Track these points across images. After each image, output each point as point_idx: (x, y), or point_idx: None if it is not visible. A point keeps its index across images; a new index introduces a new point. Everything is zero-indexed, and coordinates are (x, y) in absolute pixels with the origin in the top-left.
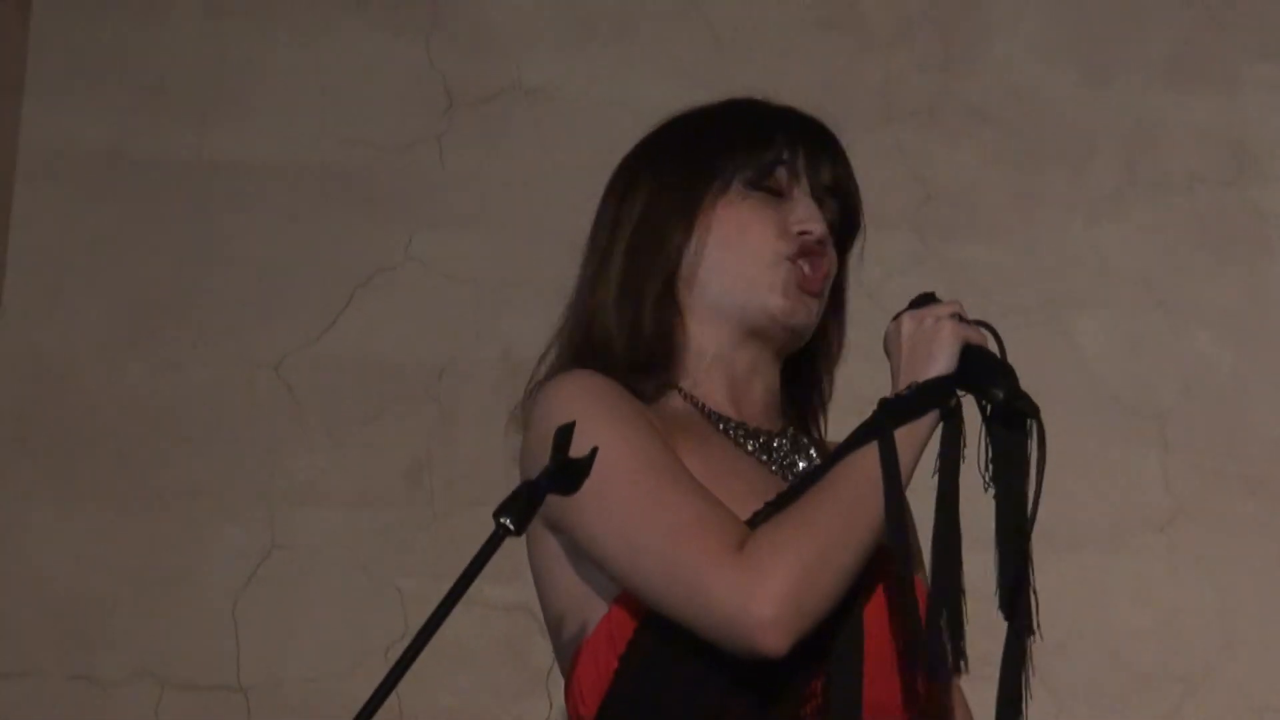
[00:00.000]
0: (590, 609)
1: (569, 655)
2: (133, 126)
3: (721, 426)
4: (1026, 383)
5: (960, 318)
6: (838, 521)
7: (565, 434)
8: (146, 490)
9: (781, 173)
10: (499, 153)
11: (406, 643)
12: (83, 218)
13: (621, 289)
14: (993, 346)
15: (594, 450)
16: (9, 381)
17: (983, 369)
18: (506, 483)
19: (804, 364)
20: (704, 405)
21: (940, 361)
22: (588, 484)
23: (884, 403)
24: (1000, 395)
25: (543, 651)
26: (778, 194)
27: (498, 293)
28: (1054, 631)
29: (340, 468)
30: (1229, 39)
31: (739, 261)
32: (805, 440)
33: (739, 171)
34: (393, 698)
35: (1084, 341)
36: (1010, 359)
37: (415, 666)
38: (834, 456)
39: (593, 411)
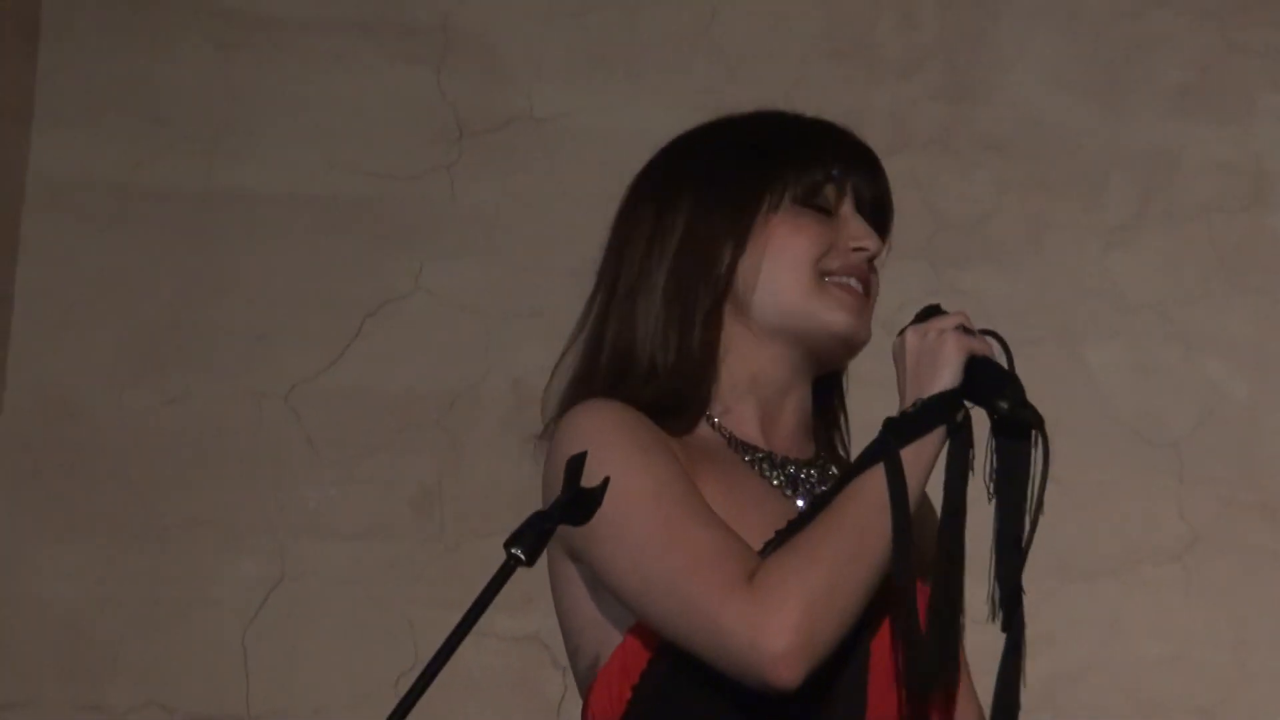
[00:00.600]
0: (606, 638)
1: (585, 683)
2: (141, 158)
3: (748, 458)
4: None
5: (965, 329)
6: (845, 548)
7: (577, 464)
8: (155, 520)
9: (831, 190)
10: (509, 183)
11: (416, 674)
12: (91, 249)
13: (668, 308)
14: (1000, 356)
15: (606, 480)
16: (18, 412)
17: (988, 380)
18: (517, 513)
19: (830, 383)
20: (732, 435)
21: (945, 376)
22: (604, 514)
23: (889, 422)
24: (1005, 406)
25: (554, 683)
26: (826, 211)
27: (508, 322)
28: (1069, 662)
29: (350, 498)
30: (1244, 67)
31: (797, 280)
32: (835, 469)
33: (789, 187)
34: None
35: (1098, 371)
36: (1025, 387)
37: (425, 698)
38: (842, 479)
39: (612, 440)
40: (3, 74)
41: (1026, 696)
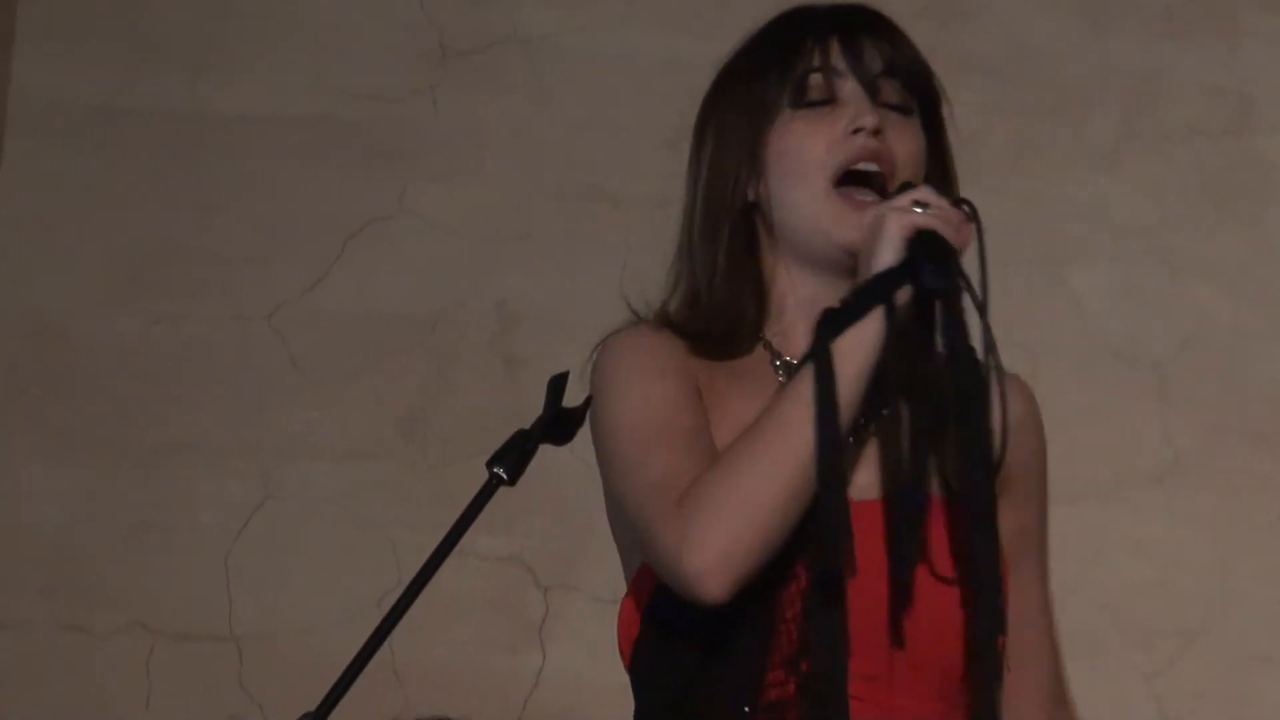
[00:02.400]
0: (632, 558)
1: (623, 599)
2: (124, 79)
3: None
4: (1025, 334)
5: (920, 203)
6: (765, 455)
7: (559, 383)
8: (139, 443)
9: (818, 79)
10: (494, 103)
11: (399, 594)
12: (74, 171)
13: (702, 236)
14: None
15: (588, 400)
16: (1, 335)
17: (923, 255)
18: (500, 434)
19: None
20: (781, 356)
21: (885, 256)
22: (601, 434)
23: (824, 313)
24: (923, 279)
25: (535, 603)
26: (828, 103)
27: (492, 244)
28: (1051, 585)
29: (334, 419)
30: None
31: (799, 195)
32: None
33: (781, 93)
34: (385, 648)
35: (1083, 294)
36: (1008, 311)
37: (408, 617)
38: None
39: (622, 366)
40: None
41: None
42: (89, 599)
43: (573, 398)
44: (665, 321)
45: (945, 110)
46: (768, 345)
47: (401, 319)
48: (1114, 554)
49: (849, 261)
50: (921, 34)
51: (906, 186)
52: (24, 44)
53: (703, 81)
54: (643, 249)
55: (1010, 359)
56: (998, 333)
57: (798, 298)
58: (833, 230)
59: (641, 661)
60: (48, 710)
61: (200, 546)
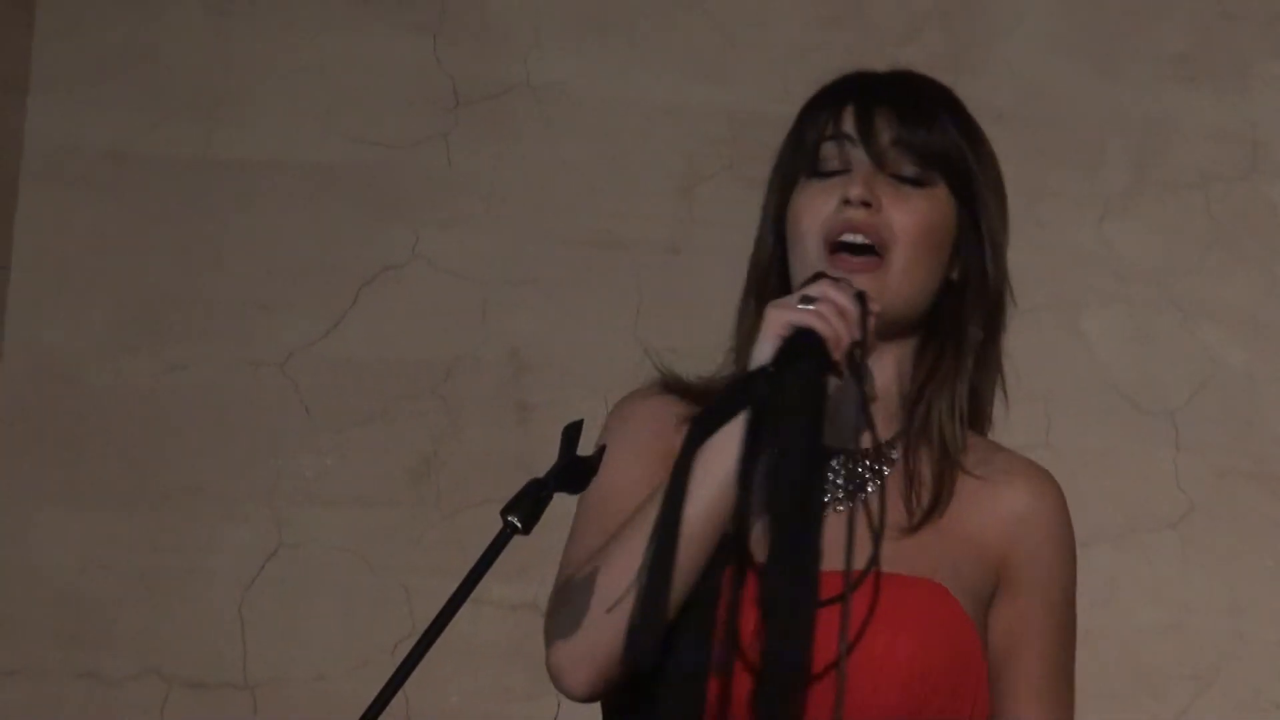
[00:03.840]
0: None
1: None
2: (137, 125)
3: None
4: (1038, 380)
5: (808, 299)
6: (617, 556)
7: (573, 432)
8: (152, 488)
9: (830, 148)
10: (506, 151)
11: (413, 641)
12: (87, 216)
13: (743, 302)
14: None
15: (602, 448)
16: (14, 380)
17: (787, 356)
18: (513, 480)
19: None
20: None
21: (759, 353)
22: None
23: (693, 419)
24: (760, 384)
25: None
26: (841, 172)
27: (505, 291)
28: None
29: (346, 466)
30: (1240, 35)
31: (799, 258)
32: (896, 455)
33: (798, 162)
34: (400, 696)
35: (1095, 339)
36: (1022, 357)
37: (422, 665)
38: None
39: (615, 436)
40: None
41: None
42: (101, 646)
43: (587, 446)
44: (679, 384)
45: (986, 179)
46: None
47: (414, 366)
48: (1128, 599)
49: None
50: None
51: (819, 276)
52: (38, 90)
53: (712, 126)
54: (655, 295)
55: (1023, 405)
56: (1011, 379)
57: None
58: None
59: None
60: None
61: (213, 593)
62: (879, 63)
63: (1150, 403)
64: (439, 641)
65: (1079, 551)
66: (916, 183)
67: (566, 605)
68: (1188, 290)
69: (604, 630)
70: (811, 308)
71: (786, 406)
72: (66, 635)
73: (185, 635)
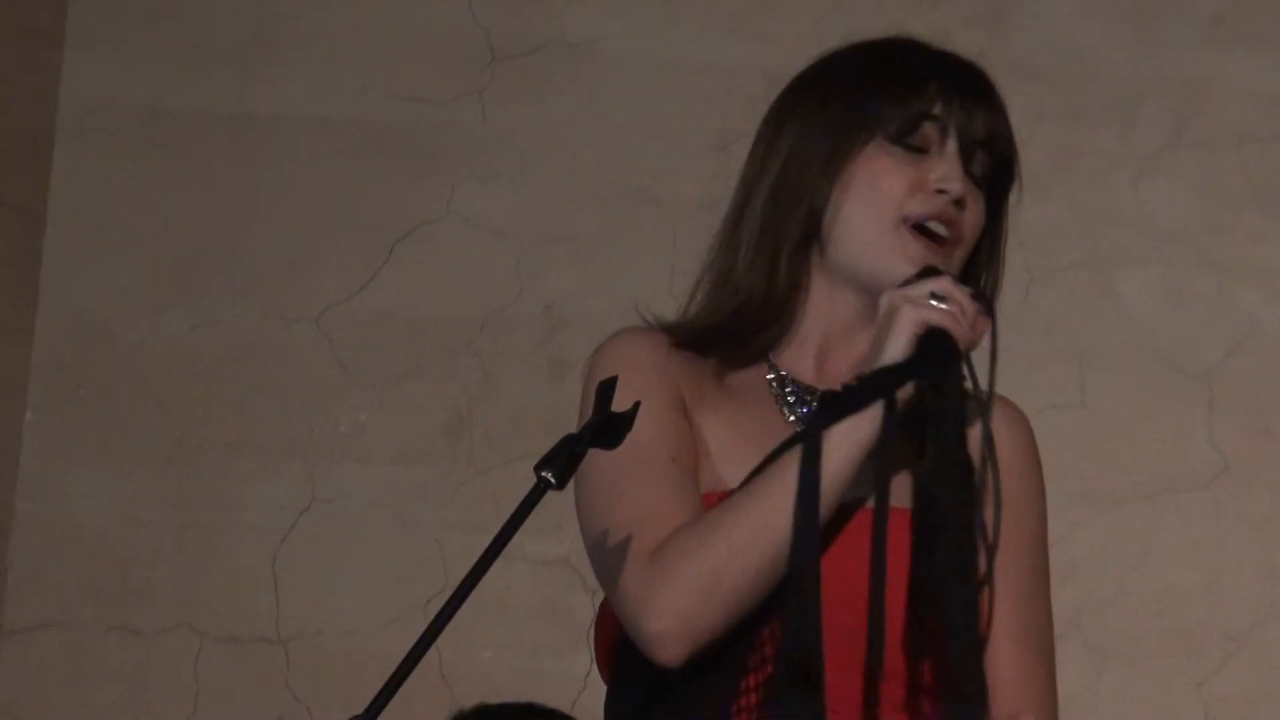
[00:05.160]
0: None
1: (597, 608)
2: (172, 81)
3: (791, 397)
4: (1073, 340)
5: (937, 295)
6: (743, 532)
7: (608, 388)
8: (187, 444)
9: (929, 128)
10: (542, 107)
11: (446, 597)
12: (123, 173)
13: (761, 238)
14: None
15: (636, 404)
16: (50, 337)
17: (930, 357)
18: (547, 437)
19: None
20: (780, 372)
21: (893, 349)
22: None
23: (823, 396)
24: (925, 390)
25: (583, 606)
26: (922, 150)
27: (539, 247)
28: (1098, 590)
29: (380, 422)
30: None
31: (866, 220)
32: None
33: (884, 124)
34: (432, 652)
35: (1130, 299)
36: (1056, 317)
37: (455, 621)
38: (769, 456)
39: (633, 380)
40: None
41: (1055, 623)
42: (136, 600)
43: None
44: (664, 325)
45: (1016, 193)
46: (770, 362)
47: (448, 322)
48: (1162, 559)
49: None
50: (970, 41)
51: (930, 271)
52: (73, 46)
53: (748, 84)
54: (689, 252)
55: (1058, 364)
56: (1045, 338)
57: (823, 314)
58: (891, 259)
59: (619, 673)
60: (95, 711)
61: (247, 548)
62: (916, 20)
63: (1185, 363)
64: (471, 597)
65: (1114, 512)
66: (981, 185)
67: (674, 574)
68: (1223, 250)
69: (722, 603)
70: (945, 307)
71: (947, 417)
72: (100, 589)
73: (218, 590)
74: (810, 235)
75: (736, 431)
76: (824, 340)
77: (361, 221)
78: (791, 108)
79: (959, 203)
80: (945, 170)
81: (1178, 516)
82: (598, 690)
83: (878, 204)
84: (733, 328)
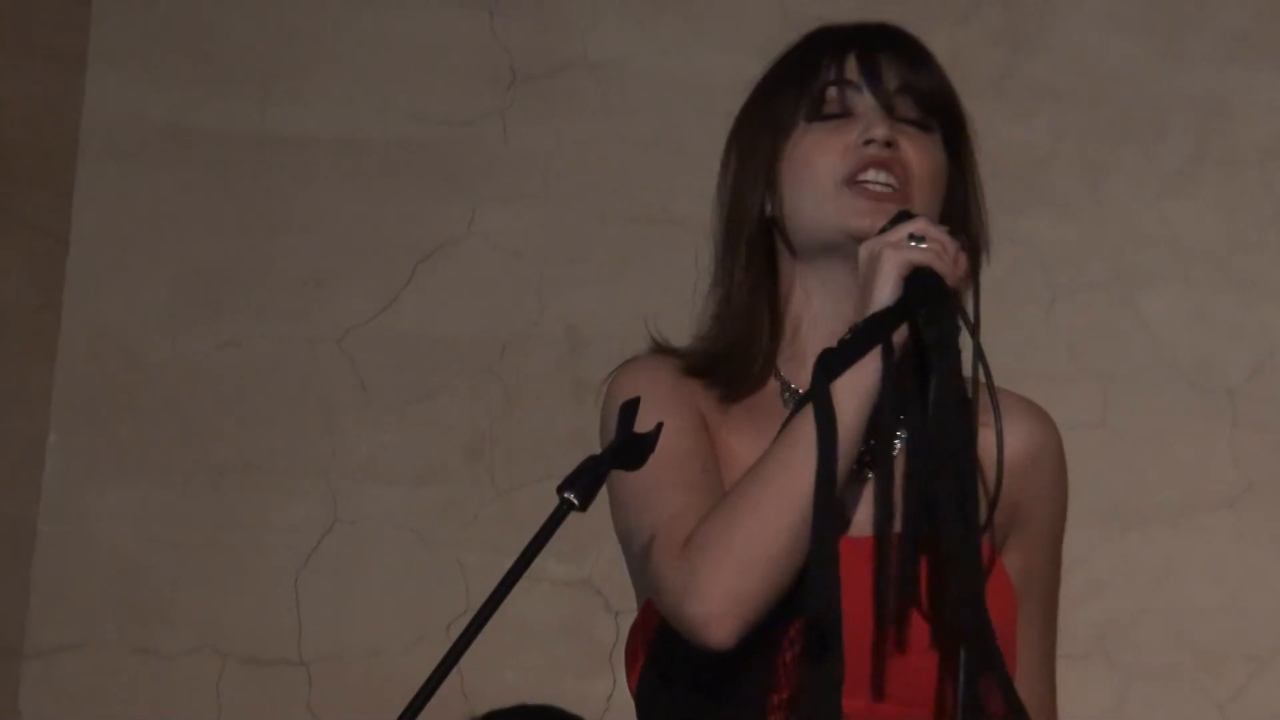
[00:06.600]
0: (639, 588)
1: (634, 622)
2: (195, 100)
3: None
4: (1096, 358)
5: (916, 237)
6: (771, 497)
7: (630, 409)
8: (209, 464)
9: (834, 93)
10: (564, 127)
11: (469, 618)
12: (145, 191)
13: (725, 256)
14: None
15: (659, 426)
16: (72, 355)
17: (921, 296)
18: (569, 458)
19: None
20: (789, 385)
21: (882, 294)
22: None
23: (822, 354)
24: (921, 324)
25: (606, 627)
26: (846, 114)
27: (561, 268)
28: (1121, 608)
29: (402, 442)
30: None
31: (811, 199)
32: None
33: (798, 110)
34: (455, 673)
35: (1154, 318)
36: (1079, 335)
37: (478, 642)
38: (781, 428)
39: (655, 399)
40: (57, 16)
41: (1078, 643)
42: (158, 621)
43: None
44: (675, 353)
45: (972, 136)
46: (779, 376)
47: (470, 342)
48: (1185, 578)
49: (855, 249)
50: (994, 60)
51: (903, 216)
52: (96, 64)
53: None
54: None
55: (1081, 383)
56: (1068, 357)
57: (811, 315)
58: (840, 219)
59: (645, 692)
60: None
61: (269, 569)
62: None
63: (1208, 381)
64: (494, 618)
65: (1137, 531)
66: (923, 127)
67: (709, 554)
68: (1247, 268)
69: (763, 573)
70: (925, 246)
71: (947, 346)
72: (123, 610)
73: (241, 611)
74: (773, 243)
75: (757, 447)
76: (824, 340)
77: (383, 242)
78: (730, 140)
79: (890, 145)
80: (865, 122)
81: (1201, 536)
82: (620, 711)
83: (815, 179)
84: (736, 353)
